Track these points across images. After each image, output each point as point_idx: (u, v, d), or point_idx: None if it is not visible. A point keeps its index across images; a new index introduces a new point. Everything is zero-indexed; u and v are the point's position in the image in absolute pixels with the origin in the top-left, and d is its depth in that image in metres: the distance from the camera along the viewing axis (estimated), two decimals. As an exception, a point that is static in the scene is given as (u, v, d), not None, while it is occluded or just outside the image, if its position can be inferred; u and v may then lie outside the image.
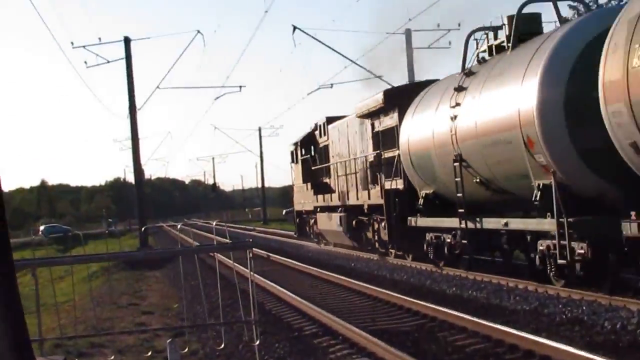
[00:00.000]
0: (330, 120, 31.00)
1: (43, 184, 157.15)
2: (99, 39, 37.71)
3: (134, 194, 45.13)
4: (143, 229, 37.10)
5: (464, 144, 17.11)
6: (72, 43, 36.71)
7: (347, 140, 27.93)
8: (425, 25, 47.81)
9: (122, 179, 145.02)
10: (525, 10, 16.84)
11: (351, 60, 34.91)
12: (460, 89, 17.60)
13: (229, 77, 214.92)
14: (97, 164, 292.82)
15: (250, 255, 8.95)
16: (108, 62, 37.55)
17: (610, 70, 11.36)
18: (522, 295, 14.09)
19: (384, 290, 15.71)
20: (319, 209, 32.25)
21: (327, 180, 31.78)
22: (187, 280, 20.58)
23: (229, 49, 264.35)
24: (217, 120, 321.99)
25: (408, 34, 34.77)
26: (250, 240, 9.97)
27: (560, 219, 13.45)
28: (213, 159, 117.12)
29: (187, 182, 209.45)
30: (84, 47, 36.75)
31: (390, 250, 24.18)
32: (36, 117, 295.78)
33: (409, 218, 21.39)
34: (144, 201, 40.89)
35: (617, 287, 12.73)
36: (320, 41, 33.99)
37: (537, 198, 14.24)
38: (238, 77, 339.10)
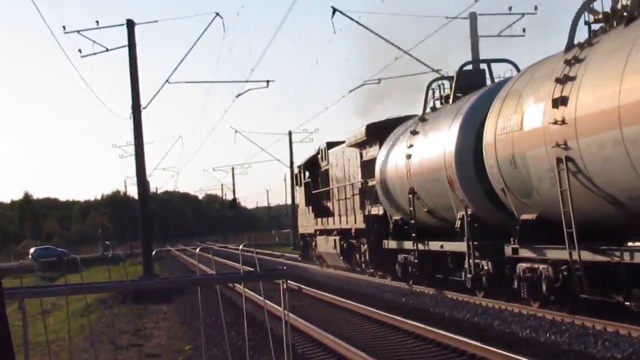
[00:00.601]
0: (330, 145, 36.48)
1: (26, 198, 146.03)
2: (97, 22, 33.73)
3: (136, 211, 41.62)
4: (153, 252, 34.78)
5: (415, 179, 23.67)
6: (63, 27, 33.71)
7: (343, 167, 33.68)
8: (493, 9, 47.18)
9: (122, 193, 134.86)
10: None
11: (404, 51, 33.27)
12: (414, 132, 24.19)
13: (253, 70, 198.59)
14: (92, 174, 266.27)
15: (285, 286, 8.54)
16: (107, 50, 34.69)
17: (487, 134, 18.47)
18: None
19: (438, 331, 15.06)
20: (318, 232, 37.74)
21: (328, 204, 36.88)
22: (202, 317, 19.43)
23: (254, 35, 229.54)
24: (239, 122, 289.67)
25: (473, 18, 34.60)
26: (284, 267, 9.43)
27: (469, 242, 20.22)
28: (233, 169, 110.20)
29: (200, 197, 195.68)
30: (78, 32, 34.00)
31: (370, 270, 30.04)
32: (19, 117, 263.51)
33: (384, 241, 27.61)
34: (149, 220, 37.05)
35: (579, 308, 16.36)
36: (365, 26, 32.99)
37: (458, 226, 20.91)
38: (264, 70, 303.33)
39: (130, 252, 79.77)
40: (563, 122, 15.33)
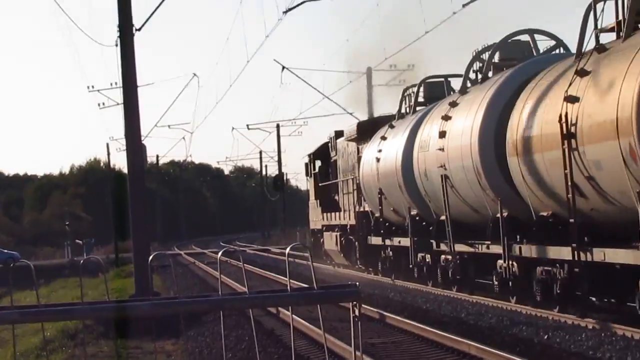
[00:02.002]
0: (338, 134, 39.20)
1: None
2: None
3: (125, 193, 26.61)
4: (151, 258, 17.79)
5: (382, 181, 30.74)
6: None
7: (347, 159, 37.59)
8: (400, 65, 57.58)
9: (103, 164, 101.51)
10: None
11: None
12: (383, 137, 31.35)
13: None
14: (57, 134, 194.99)
15: (357, 312, 7.14)
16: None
17: (414, 150, 24.72)
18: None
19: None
20: (324, 228, 40.91)
21: (336, 197, 39.99)
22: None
23: None
24: (285, 57, 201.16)
25: (369, 72, 52.36)
26: (358, 284, 7.46)
27: (504, 243, 23.32)
28: (278, 128, 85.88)
29: (226, 171, 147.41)
30: None
31: (361, 265, 34.97)
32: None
33: (368, 237, 33.32)
34: (144, 206, 26.11)
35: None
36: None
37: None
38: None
39: (116, 258, 59.92)
40: (442, 150, 25.24)
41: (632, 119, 14.75)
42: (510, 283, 21.58)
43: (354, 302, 7.35)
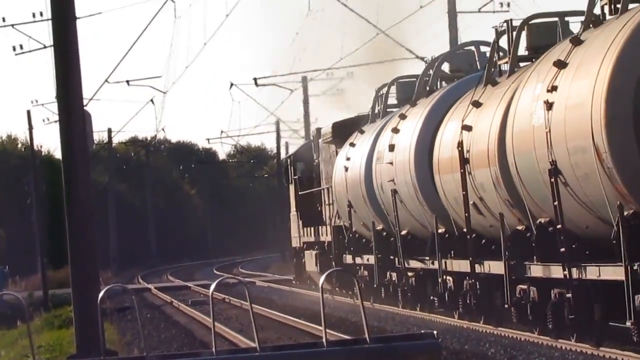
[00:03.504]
0: (320, 133, 40.93)
1: None
2: None
3: (60, 190, 20.24)
4: (101, 293, 13.85)
5: (350, 193, 35.53)
6: None
7: (329, 163, 39.75)
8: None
9: (21, 144, 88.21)
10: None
11: None
12: (352, 144, 35.87)
13: None
14: None
15: None
16: None
17: (373, 163, 30.98)
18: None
19: None
20: (305, 246, 42.47)
21: (320, 208, 41.30)
22: None
23: None
24: None
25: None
26: (437, 336, 7.65)
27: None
28: (305, 81, 66.28)
29: (222, 154, 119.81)
30: None
31: (336, 289, 37.82)
32: None
33: (344, 255, 37.01)
34: (90, 212, 20.12)
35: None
36: None
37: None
38: None
39: (45, 295, 49.91)
40: (391, 163, 31.34)
41: (495, 151, 21.12)
42: (446, 297, 27.64)
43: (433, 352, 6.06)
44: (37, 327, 35.93)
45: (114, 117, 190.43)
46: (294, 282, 47.05)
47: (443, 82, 31.58)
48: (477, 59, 30.87)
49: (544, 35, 23.31)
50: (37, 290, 53.05)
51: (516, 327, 23.48)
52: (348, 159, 36.12)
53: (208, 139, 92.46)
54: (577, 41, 18.58)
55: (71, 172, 20.32)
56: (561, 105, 18.20)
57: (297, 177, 44.51)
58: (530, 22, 23.88)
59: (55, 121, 23.49)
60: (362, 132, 35.94)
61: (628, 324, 17.01)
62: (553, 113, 18.47)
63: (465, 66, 31.09)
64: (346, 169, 36.09)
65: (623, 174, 16.65)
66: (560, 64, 18.58)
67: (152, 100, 50.20)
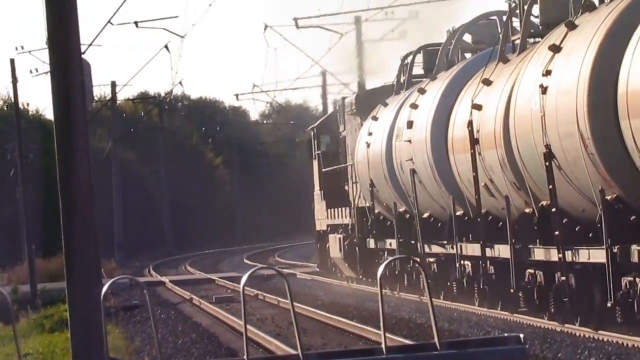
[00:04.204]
0: (345, 103, 42.02)
1: None
2: None
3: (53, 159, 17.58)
4: (105, 287, 15.65)
5: (372, 172, 36.87)
6: None
7: (355, 137, 40.29)
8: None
9: (3, 102, 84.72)
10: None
11: None
12: (374, 118, 37.18)
13: None
14: None
15: None
16: None
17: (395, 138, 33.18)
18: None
19: None
20: (329, 229, 43.20)
21: (346, 187, 41.99)
22: None
23: None
24: None
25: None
26: (522, 337, 7.56)
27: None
28: (359, 22, 58.08)
29: (254, 114, 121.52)
30: None
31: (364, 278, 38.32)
32: None
33: (367, 239, 37.83)
34: (90, 186, 17.73)
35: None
36: None
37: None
38: None
39: (33, 290, 46.98)
40: (410, 141, 33.14)
41: (501, 133, 22.94)
42: (464, 283, 29.30)
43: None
44: (24, 329, 33.28)
45: (119, 68, 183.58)
46: (318, 269, 46.51)
47: (466, 55, 33.08)
48: (499, 30, 32.19)
49: (558, 10, 23.90)
50: (24, 284, 48.59)
51: (523, 313, 25.38)
52: (370, 134, 37.41)
53: (237, 95, 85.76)
54: (571, 25, 20.17)
55: (66, 136, 18.04)
56: (554, 90, 19.99)
57: (320, 151, 44.29)
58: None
59: (46, 72, 22.14)
60: (385, 104, 37.24)
61: (608, 304, 18.66)
62: (547, 97, 20.25)
63: (487, 37, 32.53)
64: (368, 145, 37.46)
65: (605, 160, 18.41)
66: (555, 48, 20.24)
67: (166, 47, 47.01)
